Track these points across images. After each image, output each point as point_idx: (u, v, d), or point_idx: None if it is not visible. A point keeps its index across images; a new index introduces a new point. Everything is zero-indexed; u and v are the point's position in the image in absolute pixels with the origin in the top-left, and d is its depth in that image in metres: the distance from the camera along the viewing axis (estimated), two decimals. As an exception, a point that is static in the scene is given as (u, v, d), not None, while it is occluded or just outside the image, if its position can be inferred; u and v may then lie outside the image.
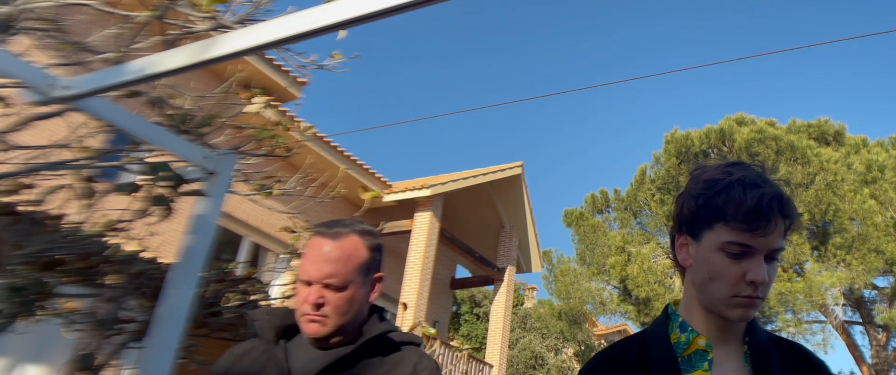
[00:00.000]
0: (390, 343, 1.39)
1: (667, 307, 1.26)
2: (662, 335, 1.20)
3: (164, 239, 6.66)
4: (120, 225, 2.44)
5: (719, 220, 1.12)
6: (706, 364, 1.13)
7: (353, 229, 1.39)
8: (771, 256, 1.12)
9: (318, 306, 1.32)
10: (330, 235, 1.36)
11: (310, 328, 1.33)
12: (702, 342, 1.14)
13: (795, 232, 1.17)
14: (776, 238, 1.11)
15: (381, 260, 1.44)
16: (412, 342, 1.41)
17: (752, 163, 1.19)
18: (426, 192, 10.51)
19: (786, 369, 1.14)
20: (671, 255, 1.26)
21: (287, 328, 1.40)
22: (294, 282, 2.45)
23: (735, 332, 1.17)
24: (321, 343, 1.36)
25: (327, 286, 1.32)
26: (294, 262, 3.04)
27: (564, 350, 21.51)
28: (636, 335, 1.26)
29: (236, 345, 1.50)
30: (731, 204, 1.11)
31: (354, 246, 1.37)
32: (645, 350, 1.19)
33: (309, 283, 1.34)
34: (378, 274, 1.42)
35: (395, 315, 10.56)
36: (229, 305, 2.87)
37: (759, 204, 1.09)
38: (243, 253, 8.97)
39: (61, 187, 2.33)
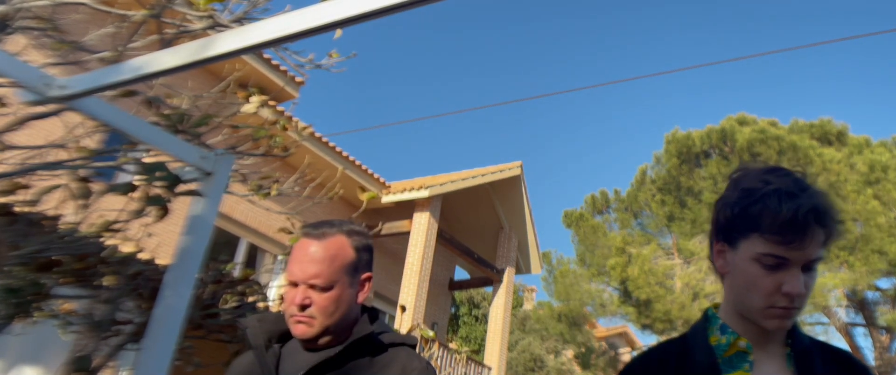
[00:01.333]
0: (379, 344, 1.37)
1: (706, 310, 1.26)
2: (702, 337, 1.19)
3: (161, 240, 6.65)
4: (116, 226, 2.43)
5: (754, 231, 1.10)
6: (747, 364, 1.13)
7: (340, 229, 1.39)
8: (808, 267, 1.10)
9: (304, 307, 1.31)
10: (315, 236, 1.36)
11: (297, 329, 1.33)
12: (742, 343, 1.14)
13: (835, 240, 1.15)
14: (813, 249, 1.08)
15: (371, 259, 1.43)
16: (405, 343, 1.40)
17: (792, 170, 1.17)
18: (424, 193, 10.50)
19: (829, 372, 1.13)
20: (710, 261, 1.24)
21: (282, 333, 1.39)
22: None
23: (777, 335, 1.16)
24: (310, 344, 1.35)
25: (312, 286, 1.32)
26: (292, 263, 3.02)
27: (564, 352, 21.49)
28: (675, 339, 1.26)
29: (241, 356, 1.50)
30: (766, 216, 1.09)
31: (339, 246, 1.36)
32: (685, 353, 1.19)
33: (295, 284, 1.33)
34: (367, 274, 1.41)
35: (393, 317, 10.53)
36: (226, 306, 2.86)
37: (795, 217, 1.07)
38: (241, 254, 8.96)
39: (57, 187, 2.32)
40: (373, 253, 1.44)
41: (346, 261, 1.36)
